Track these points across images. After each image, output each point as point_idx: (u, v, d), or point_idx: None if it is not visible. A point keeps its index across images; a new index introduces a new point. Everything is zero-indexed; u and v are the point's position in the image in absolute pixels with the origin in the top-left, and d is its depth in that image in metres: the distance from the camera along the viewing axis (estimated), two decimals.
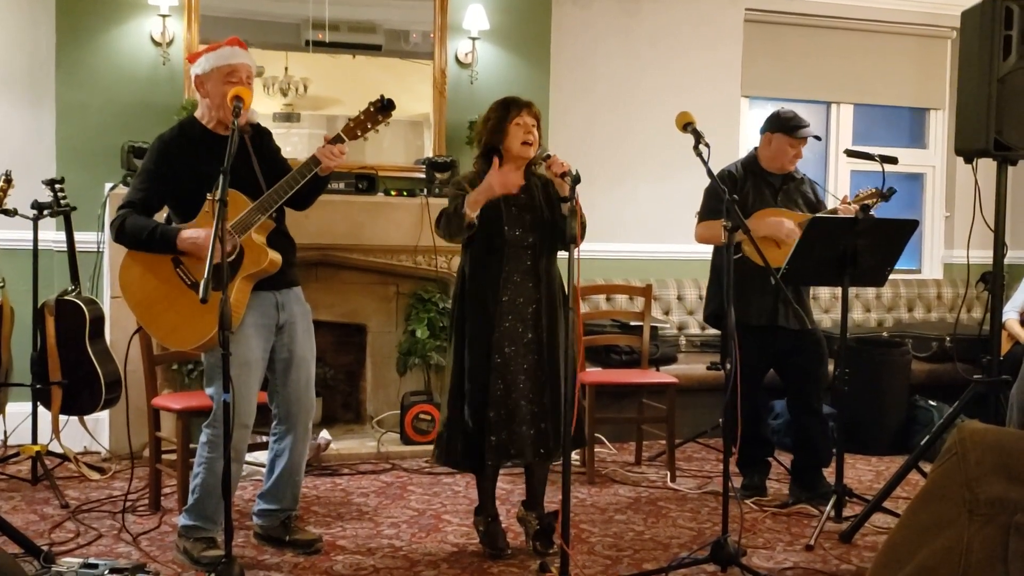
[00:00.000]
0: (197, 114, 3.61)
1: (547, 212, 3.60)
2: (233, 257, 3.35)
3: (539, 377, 3.55)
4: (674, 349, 5.82)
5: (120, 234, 3.48)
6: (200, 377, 4.55)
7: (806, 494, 4.32)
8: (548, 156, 3.49)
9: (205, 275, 2.92)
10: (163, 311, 3.48)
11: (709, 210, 4.32)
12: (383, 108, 3.37)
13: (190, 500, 3.53)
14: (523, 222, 3.60)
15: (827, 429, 4.40)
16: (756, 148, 4.48)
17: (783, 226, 4.16)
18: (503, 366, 3.54)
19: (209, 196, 3.31)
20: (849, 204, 4.26)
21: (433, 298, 5.31)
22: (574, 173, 3.27)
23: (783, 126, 4.34)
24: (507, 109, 3.60)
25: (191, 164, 3.44)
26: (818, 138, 4.49)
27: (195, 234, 3.37)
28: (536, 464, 3.69)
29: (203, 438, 3.51)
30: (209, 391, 3.54)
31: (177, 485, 4.02)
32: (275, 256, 3.47)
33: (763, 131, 4.43)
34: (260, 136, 3.65)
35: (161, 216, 3.59)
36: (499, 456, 3.57)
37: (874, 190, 4.29)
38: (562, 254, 3.42)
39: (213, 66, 3.48)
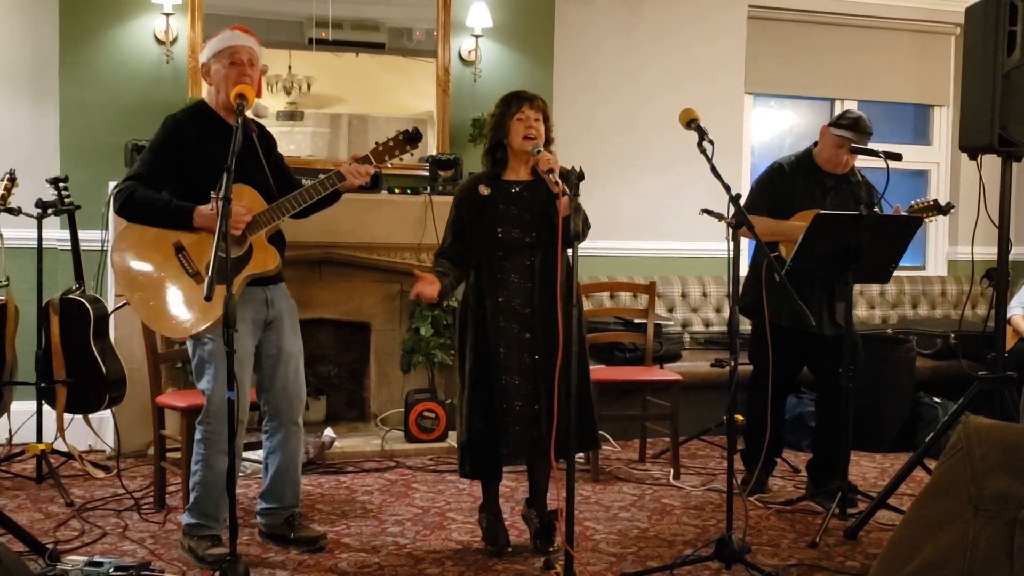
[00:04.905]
0: (206, 99, 3.62)
1: (550, 210, 3.54)
2: (242, 254, 3.36)
3: (535, 378, 3.52)
4: (678, 346, 5.82)
5: (127, 205, 3.42)
6: None
7: (813, 490, 4.32)
8: (538, 152, 3.47)
9: (209, 272, 2.90)
10: (156, 293, 3.45)
11: (752, 205, 4.15)
12: (411, 138, 3.50)
13: (191, 498, 3.54)
14: (522, 221, 3.56)
15: (848, 436, 4.31)
16: (814, 144, 4.36)
17: None
18: (499, 367, 3.52)
19: (213, 195, 3.28)
20: (903, 215, 4.14)
21: None
22: (578, 170, 3.26)
23: (835, 121, 4.26)
24: (508, 105, 3.59)
25: (201, 144, 3.45)
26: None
27: (213, 210, 3.29)
28: (537, 462, 3.68)
29: (198, 435, 3.51)
30: (201, 385, 3.51)
31: (182, 483, 4.03)
32: (278, 259, 3.52)
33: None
34: (265, 139, 3.67)
35: None
36: (495, 457, 3.56)
37: (932, 202, 4.21)
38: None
39: (215, 50, 3.52)
